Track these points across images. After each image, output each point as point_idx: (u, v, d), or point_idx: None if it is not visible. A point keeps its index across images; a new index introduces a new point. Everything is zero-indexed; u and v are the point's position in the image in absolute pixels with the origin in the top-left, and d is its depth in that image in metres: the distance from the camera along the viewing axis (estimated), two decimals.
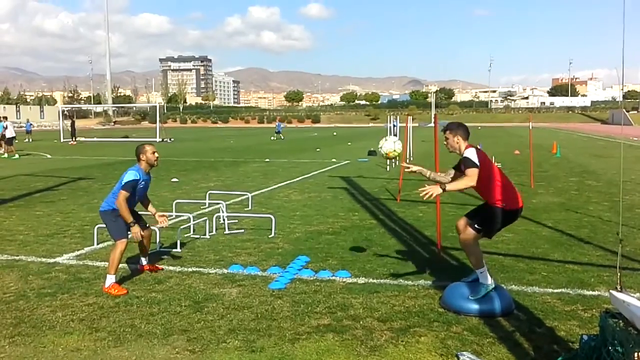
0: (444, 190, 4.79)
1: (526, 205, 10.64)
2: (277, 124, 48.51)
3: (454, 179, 5.21)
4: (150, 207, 6.31)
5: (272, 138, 43.74)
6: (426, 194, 4.71)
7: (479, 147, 5.12)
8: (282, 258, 6.87)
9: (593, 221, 9.08)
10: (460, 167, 5.00)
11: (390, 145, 6.10)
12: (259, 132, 65.38)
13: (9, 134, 27.79)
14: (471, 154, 4.88)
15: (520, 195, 5.12)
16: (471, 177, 4.79)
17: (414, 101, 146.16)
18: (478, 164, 4.82)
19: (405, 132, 14.86)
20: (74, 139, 39.75)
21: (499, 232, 5.16)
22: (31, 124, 47.80)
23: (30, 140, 41.56)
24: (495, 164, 15.67)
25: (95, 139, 44.28)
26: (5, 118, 30.56)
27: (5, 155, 26.18)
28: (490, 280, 4.99)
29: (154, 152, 6.01)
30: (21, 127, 44.56)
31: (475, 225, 4.99)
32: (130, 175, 5.83)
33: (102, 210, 6.00)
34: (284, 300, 5.30)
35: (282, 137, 43.87)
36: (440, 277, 6.00)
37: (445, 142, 5.22)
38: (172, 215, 9.39)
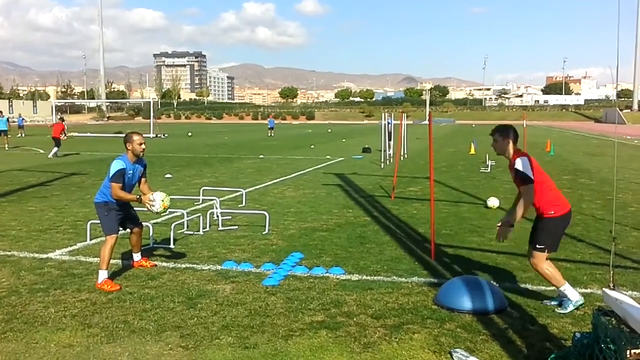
0: (511, 225, 4.89)
1: None
2: (269, 120, 48.66)
3: (517, 200, 5.12)
4: (145, 191, 6.12)
5: (271, 135, 43.77)
6: (501, 237, 4.95)
7: (527, 155, 5.00)
8: (275, 255, 6.86)
9: (586, 219, 9.12)
10: (516, 179, 4.93)
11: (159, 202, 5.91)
12: (253, 128, 65.25)
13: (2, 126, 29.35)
14: (524, 165, 4.81)
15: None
16: (529, 195, 4.79)
17: (409, 98, 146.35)
18: (532, 177, 4.78)
19: (400, 129, 14.87)
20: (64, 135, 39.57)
21: (560, 240, 5.05)
22: (23, 119, 47.51)
23: (23, 135, 41.32)
24: (490, 162, 15.62)
25: (88, 134, 44.09)
26: (0, 112, 31.37)
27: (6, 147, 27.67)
28: (576, 296, 4.87)
29: (140, 144, 5.92)
30: (13, 121, 44.19)
31: (537, 246, 4.90)
32: (116, 165, 5.78)
33: (95, 202, 5.98)
34: (277, 297, 5.30)
35: (271, 134, 43.75)
36: (433, 275, 6.01)
37: (493, 144, 5.14)
38: (165, 212, 9.35)
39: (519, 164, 4.84)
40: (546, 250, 4.90)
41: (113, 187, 5.75)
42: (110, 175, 5.76)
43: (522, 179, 4.82)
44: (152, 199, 5.84)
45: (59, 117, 30.73)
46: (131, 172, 5.93)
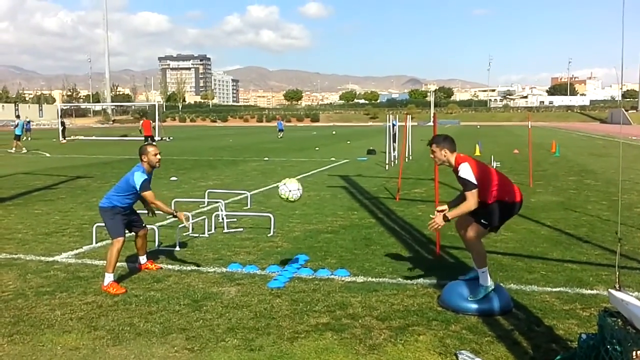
0: (447, 220, 4.89)
1: (525, 204, 10.64)
2: (278, 122, 49.67)
3: (457, 201, 5.20)
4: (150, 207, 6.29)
5: (280, 137, 44.50)
6: (432, 226, 4.92)
7: (469, 156, 5.07)
8: (281, 257, 6.87)
9: (592, 220, 9.09)
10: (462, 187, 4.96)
11: (286, 189, 5.93)
12: (258, 131, 65.36)
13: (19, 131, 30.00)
14: (466, 172, 4.85)
15: (521, 193, 5.10)
16: (472, 200, 4.80)
17: (413, 100, 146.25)
18: (476, 182, 4.81)
19: (405, 131, 14.86)
20: (62, 138, 39.70)
21: (502, 225, 5.11)
22: (29, 122, 47.76)
23: (29, 138, 41.51)
24: (495, 163, 15.58)
25: (94, 138, 44.24)
26: (18, 117, 32.93)
27: (12, 150, 28.24)
28: (490, 282, 4.99)
29: (156, 154, 6.01)
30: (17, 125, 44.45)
31: (482, 221, 4.96)
32: (139, 177, 5.86)
33: (101, 207, 6.00)
34: (282, 299, 5.30)
35: (280, 136, 44.44)
36: (439, 276, 6.00)
37: (432, 156, 5.18)
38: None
39: (462, 171, 4.88)
40: (487, 228, 4.98)
41: (148, 196, 5.88)
42: (139, 188, 5.83)
43: (465, 185, 4.85)
44: (187, 216, 6.13)
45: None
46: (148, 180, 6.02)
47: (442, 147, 5.07)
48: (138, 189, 5.85)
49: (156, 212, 6.32)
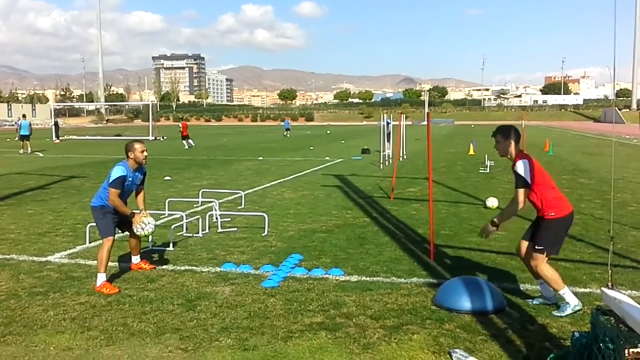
0: (495, 225, 4.87)
1: None
2: (285, 122, 51.80)
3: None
4: (140, 202, 6.25)
5: (287, 135, 46.17)
6: (484, 235, 4.91)
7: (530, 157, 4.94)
8: (275, 256, 6.86)
9: (585, 219, 9.12)
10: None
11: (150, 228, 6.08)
12: (263, 130, 65.27)
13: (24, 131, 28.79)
14: (522, 168, 4.76)
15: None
16: (519, 198, 4.74)
17: (408, 99, 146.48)
18: (529, 180, 4.74)
19: (399, 130, 14.87)
20: (56, 138, 39.46)
21: (560, 243, 4.98)
22: (29, 122, 47.54)
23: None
24: (489, 162, 15.61)
25: (87, 137, 44.09)
26: (24, 116, 31.40)
27: (22, 151, 27.56)
28: (575, 301, 4.80)
29: (142, 151, 5.98)
30: (12, 125, 44.16)
31: (536, 247, 4.84)
32: (117, 172, 5.82)
33: (92, 206, 5.99)
34: (277, 299, 5.30)
35: (287, 135, 46.33)
36: (433, 275, 6.01)
37: (495, 146, 5.08)
38: (164, 214, 9.37)
39: (519, 167, 4.79)
40: (545, 252, 4.84)
41: (111, 192, 5.78)
42: (110, 180, 5.79)
43: (517, 180, 4.80)
44: (145, 222, 5.98)
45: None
46: (131, 179, 5.97)
47: (509, 138, 4.96)
48: (109, 181, 5.80)
49: (140, 211, 6.18)
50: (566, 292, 4.84)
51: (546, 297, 5.05)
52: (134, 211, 5.93)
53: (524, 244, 5.07)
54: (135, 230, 6.00)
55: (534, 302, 5.08)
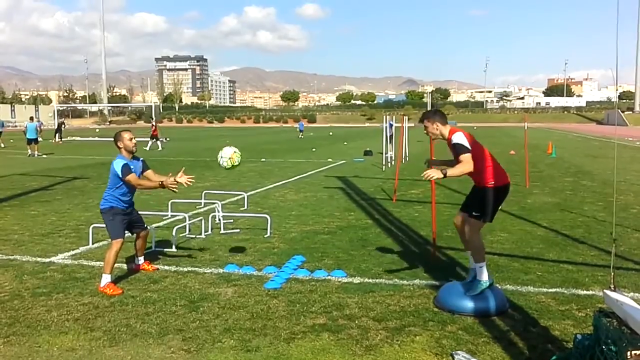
0: (444, 175, 4.83)
1: (521, 205, 10.71)
2: (299, 123, 52.37)
3: (451, 164, 5.22)
4: (153, 177, 6.07)
5: (301, 137, 46.52)
6: (427, 175, 4.81)
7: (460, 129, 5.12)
8: (277, 258, 6.87)
9: (588, 221, 9.11)
10: (454, 152, 4.99)
11: (228, 152, 6.15)
12: (254, 132, 65.32)
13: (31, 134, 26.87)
14: (460, 138, 4.90)
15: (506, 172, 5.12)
16: (467, 162, 4.82)
17: (410, 101, 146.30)
18: (469, 147, 4.85)
19: (401, 132, 14.87)
20: (58, 138, 39.42)
21: (495, 213, 5.07)
22: (42, 123, 47.49)
23: (41, 139, 41.27)
24: None
25: (90, 139, 44.15)
26: (32, 118, 30.98)
27: (29, 152, 26.28)
28: (486, 277, 5.00)
29: (131, 139, 5.94)
30: (15, 126, 44.24)
31: (474, 213, 4.98)
32: (118, 163, 5.81)
33: (101, 208, 5.99)
34: (279, 300, 5.31)
35: (301, 136, 46.75)
36: (435, 277, 6.02)
37: (425, 132, 5.22)
38: (167, 215, 9.39)
39: (456, 138, 4.91)
40: (482, 219, 4.97)
41: (131, 179, 5.75)
42: (120, 173, 5.77)
43: (458, 149, 4.86)
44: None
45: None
46: (133, 167, 5.94)
47: (434, 120, 5.11)
48: (120, 175, 5.78)
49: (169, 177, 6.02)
50: (483, 267, 4.99)
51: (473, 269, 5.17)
52: (161, 181, 5.82)
53: (460, 214, 5.19)
54: (174, 190, 5.87)
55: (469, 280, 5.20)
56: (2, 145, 33.16)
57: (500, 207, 5.15)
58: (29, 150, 26.47)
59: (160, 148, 30.88)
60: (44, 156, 25.98)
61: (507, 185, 5.04)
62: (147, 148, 30.21)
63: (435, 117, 5.12)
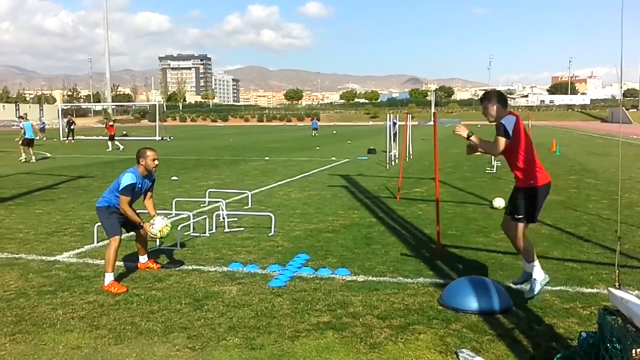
0: (469, 137, 4.81)
1: None
2: (313, 121, 52.40)
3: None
4: (149, 207, 6.30)
5: (315, 135, 47.01)
6: (456, 130, 4.81)
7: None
8: (281, 256, 6.88)
9: (592, 219, 9.09)
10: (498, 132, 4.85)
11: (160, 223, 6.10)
12: (258, 130, 65.35)
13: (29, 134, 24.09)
14: (509, 121, 4.76)
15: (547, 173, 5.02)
16: (497, 145, 4.75)
17: (414, 99, 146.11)
18: (510, 133, 4.74)
19: (405, 130, 14.85)
20: (69, 139, 39.37)
21: (538, 212, 4.99)
22: (44, 122, 47.66)
23: (45, 138, 41.48)
24: (495, 162, 15.52)
25: (94, 137, 44.24)
26: (25, 115, 27.27)
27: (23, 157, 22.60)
28: (542, 275, 4.92)
29: (154, 159, 6.01)
30: (15, 126, 44.21)
31: (516, 216, 4.91)
32: (127, 179, 5.85)
33: (97, 206, 6.03)
34: (283, 298, 5.32)
35: (315, 134, 47.16)
36: (439, 275, 6.02)
37: (483, 114, 5.09)
38: (172, 214, 9.41)
39: (505, 120, 4.81)
40: (525, 221, 4.92)
41: (122, 199, 5.84)
42: (121, 188, 5.84)
43: (498, 130, 4.78)
44: (152, 223, 6.00)
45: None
46: (140, 185, 6.02)
47: (494, 102, 4.97)
48: (119, 189, 5.85)
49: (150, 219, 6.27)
50: (536, 266, 4.94)
51: (526, 272, 5.12)
52: (142, 223, 6.00)
53: (506, 219, 5.14)
54: (151, 235, 6.06)
55: (517, 286, 5.22)
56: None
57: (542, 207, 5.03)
58: (23, 154, 22.73)
59: (110, 149, 29.18)
60: (48, 155, 25.90)
61: (547, 185, 4.91)
62: (110, 149, 29.10)
63: (495, 100, 4.97)
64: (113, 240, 5.80)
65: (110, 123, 32.05)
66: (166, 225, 6.09)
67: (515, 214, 4.93)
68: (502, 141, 4.76)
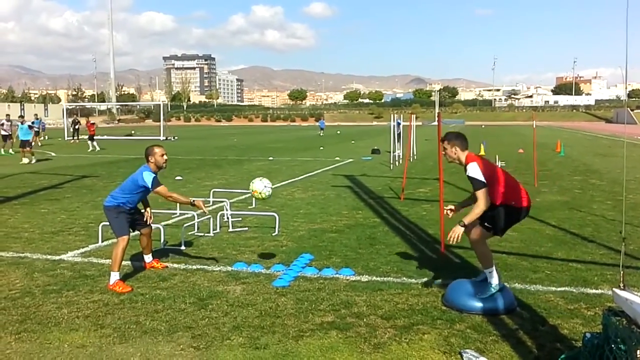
0: (464, 226, 4.85)
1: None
2: (320, 121, 53.16)
3: (467, 202, 5.27)
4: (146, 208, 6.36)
5: (321, 134, 47.82)
6: (453, 238, 4.79)
7: (479, 156, 5.11)
8: (285, 256, 6.89)
9: (596, 220, 9.08)
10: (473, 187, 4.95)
11: (259, 186, 6.17)
12: (262, 130, 65.39)
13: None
14: (475, 171, 4.82)
15: (529, 195, 5.07)
16: (483, 200, 4.79)
17: (418, 100, 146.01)
18: (484, 180, 4.81)
19: (409, 130, 14.87)
20: (75, 138, 39.39)
21: (507, 229, 5.09)
22: (41, 121, 47.68)
23: (46, 137, 41.52)
24: (499, 162, 15.52)
25: (99, 137, 44.34)
26: (21, 117, 27.49)
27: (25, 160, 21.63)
28: (497, 281, 5.00)
29: (162, 155, 6.03)
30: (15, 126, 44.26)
31: (485, 224, 4.96)
32: (148, 176, 5.90)
33: (106, 206, 6.03)
34: (287, 298, 5.33)
35: (321, 134, 47.85)
36: (443, 275, 6.02)
37: (443, 152, 5.20)
38: (176, 213, 9.44)
39: (470, 170, 4.85)
40: (492, 232, 4.97)
41: (161, 191, 5.91)
42: (151, 185, 5.87)
43: (474, 184, 4.83)
44: (204, 201, 6.05)
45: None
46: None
47: (454, 144, 5.07)
48: (150, 187, 5.89)
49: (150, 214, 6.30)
50: (492, 272, 4.99)
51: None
52: (193, 199, 6.02)
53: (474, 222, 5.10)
54: (205, 210, 6.10)
55: (477, 279, 5.25)
56: (39, 144, 32.14)
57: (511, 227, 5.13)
58: (24, 158, 21.74)
59: (91, 149, 28.56)
60: (52, 154, 26.00)
61: (521, 208, 4.93)
62: (90, 149, 28.40)
63: (456, 141, 5.07)
64: (121, 239, 5.82)
65: (91, 122, 31.43)
66: (262, 190, 6.16)
67: (487, 223, 4.95)
68: (484, 192, 4.80)
